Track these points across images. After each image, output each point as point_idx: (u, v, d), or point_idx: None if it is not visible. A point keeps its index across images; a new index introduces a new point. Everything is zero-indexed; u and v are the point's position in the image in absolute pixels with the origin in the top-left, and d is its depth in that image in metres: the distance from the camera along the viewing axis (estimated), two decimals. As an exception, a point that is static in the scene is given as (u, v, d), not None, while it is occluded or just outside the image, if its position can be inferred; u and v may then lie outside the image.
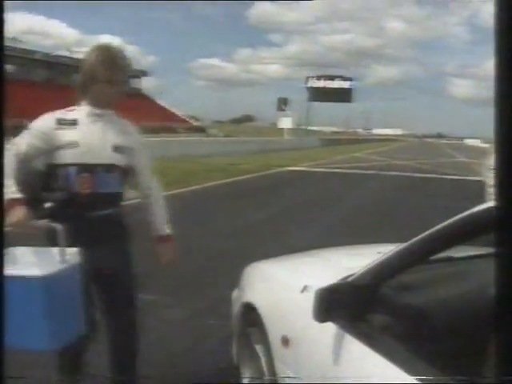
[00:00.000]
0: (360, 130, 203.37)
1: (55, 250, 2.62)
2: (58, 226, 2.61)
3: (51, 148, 2.91)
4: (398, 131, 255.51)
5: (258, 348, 2.90)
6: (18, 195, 2.70)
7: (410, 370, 1.73)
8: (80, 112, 3.01)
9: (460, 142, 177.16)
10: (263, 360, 2.82)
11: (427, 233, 1.95)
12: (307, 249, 3.78)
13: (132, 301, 3.17)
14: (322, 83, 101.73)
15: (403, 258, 2.04)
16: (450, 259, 2.62)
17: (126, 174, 3.10)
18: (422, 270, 2.41)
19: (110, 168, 3.00)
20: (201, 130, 77.78)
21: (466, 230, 1.86)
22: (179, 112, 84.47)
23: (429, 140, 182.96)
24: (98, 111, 3.01)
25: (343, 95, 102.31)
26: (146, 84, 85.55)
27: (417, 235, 2.03)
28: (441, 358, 1.78)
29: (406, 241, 2.11)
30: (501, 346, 1.19)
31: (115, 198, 3.07)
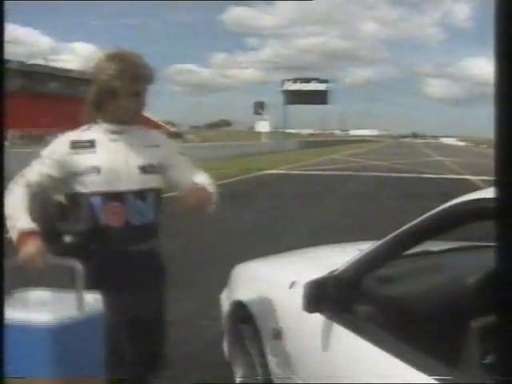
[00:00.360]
0: (337, 132, 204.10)
1: (73, 294, 2.21)
2: (77, 265, 2.22)
3: (68, 176, 2.51)
4: (375, 132, 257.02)
5: (250, 343, 3.04)
6: (32, 227, 2.34)
7: (395, 353, 1.91)
8: (96, 131, 2.57)
9: (436, 140, 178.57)
10: (255, 354, 2.97)
11: (403, 228, 2.13)
12: (291, 249, 3.93)
13: (161, 349, 2.76)
14: (297, 86, 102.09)
15: (382, 252, 2.23)
16: (426, 253, 2.80)
17: (161, 197, 2.66)
18: (402, 264, 2.59)
19: (141, 194, 2.55)
20: (178, 135, 77.52)
21: (440, 225, 2.05)
22: (155, 118, 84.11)
23: (405, 140, 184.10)
24: (117, 128, 2.58)
25: (319, 97, 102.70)
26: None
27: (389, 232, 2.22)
28: (422, 342, 1.95)
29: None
30: (501, 344, 1.18)
31: (151, 230, 2.63)
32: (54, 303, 2.25)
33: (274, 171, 24.86)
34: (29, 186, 2.47)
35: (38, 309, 2.18)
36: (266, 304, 2.92)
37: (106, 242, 2.52)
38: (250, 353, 3.03)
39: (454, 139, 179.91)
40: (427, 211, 2.08)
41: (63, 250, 2.48)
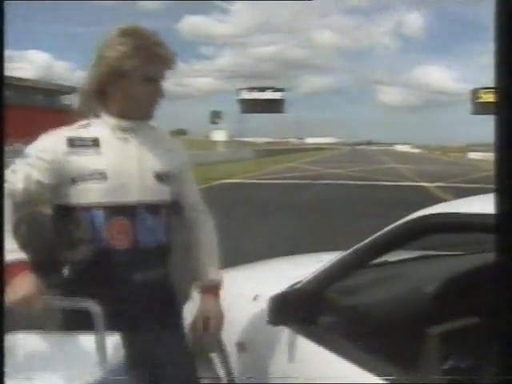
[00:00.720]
0: (293, 140, 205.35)
1: (85, 340, 1.71)
2: (93, 307, 1.70)
3: (63, 182, 1.97)
4: (330, 139, 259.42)
5: (214, 356, 3.06)
6: (21, 256, 1.80)
7: (358, 362, 1.97)
8: (100, 127, 2.04)
9: (390, 148, 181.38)
10: (220, 366, 2.99)
11: (366, 240, 2.19)
12: (249, 259, 3.95)
13: None
14: (253, 95, 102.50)
15: (345, 264, 2.29)
16: (385, 263, 2.87)
17: (172, 212, 2.17)
18: (361, 274, 2.65)
19: (154, 207, 2.05)
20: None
21: (403, 237, 2.12)
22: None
23: (360, 147, 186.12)
24: (128, 124, 2.05)
25: (275, 106, 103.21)
26: (76, 100, 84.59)
27: (353, 242, 2.28)
28: (383, 351, 2.01)
29: (343, 247, 2.35)
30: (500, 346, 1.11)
31: (162, 253, 2.14)
32: (65, 356, 1.71)
33: (231, 180, 24.88)
34: (12, 195, 1.88)
35: (49, 367, 1.63)
36: (230, 316, 2.93)
37: (110, 270, 2.00)
38: (215, 364, 3.04)
39: (408, 146, 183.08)
40: (385, 219, 2.15)
41: (61, 285, 2.01)
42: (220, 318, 2.30)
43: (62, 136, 2.00)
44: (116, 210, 1.98)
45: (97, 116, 2.07)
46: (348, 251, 2.27)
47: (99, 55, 2.02)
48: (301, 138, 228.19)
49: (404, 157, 75.24)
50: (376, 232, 2.18)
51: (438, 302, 2.51)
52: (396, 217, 2.14)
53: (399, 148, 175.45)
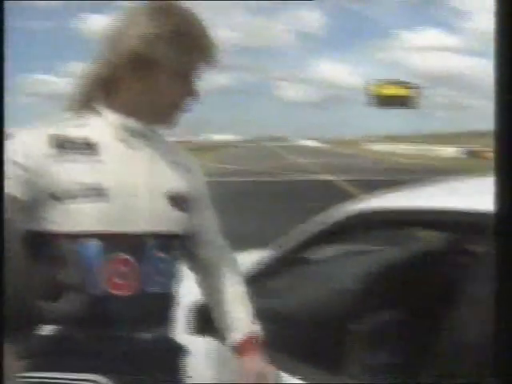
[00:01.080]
0: (195, 138, 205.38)
1: None
2: (100, 381, 1.33)
3: (43, 199, 1.37)
4: (234, 137, 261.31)
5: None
6: None
7: (283, 369, 1.85)
8: (100, 126, 1.46)
9: (292, 143, 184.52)
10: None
11: (291, 237, 2.10)
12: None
13: None
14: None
15: (268, 264, 2.18)
16: (305, 261, 2.79)
17: (185, 247, 1.63)
18: (282, 274, 2.56)
19: (166, 239, 1.50)
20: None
21: (332, 233, 2.06)
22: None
23: (263, 143, 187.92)
24: (140, 126, 1.49)
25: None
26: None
27: (269, 239, 2.18)
28: (310, 354, 1.92)
29: (259, 245, 2.23)
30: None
31: (171, 304, 1.58)
32: None
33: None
34: None
35: None
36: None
37: (106, 327, 1.42)
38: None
39: (310, 141, 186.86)
40: (295, 213, 2.07)
41: (42, 350, 1.39)
42: (273, 375, 1.70)
43: (43, 133, 1.41)
44: (117, 243, 1.41)
45: (95, 111, 1.49)
46: (270, 249, 2.17)
47: (118, 34, 1.46)
48: (204, 137, 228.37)
49: (307, 151, 76.56)
50: (289, 228, 2.10)
51: (362, 298, 2.47)
52: (308, 211, 2.07)
53: (301, 143, 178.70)
